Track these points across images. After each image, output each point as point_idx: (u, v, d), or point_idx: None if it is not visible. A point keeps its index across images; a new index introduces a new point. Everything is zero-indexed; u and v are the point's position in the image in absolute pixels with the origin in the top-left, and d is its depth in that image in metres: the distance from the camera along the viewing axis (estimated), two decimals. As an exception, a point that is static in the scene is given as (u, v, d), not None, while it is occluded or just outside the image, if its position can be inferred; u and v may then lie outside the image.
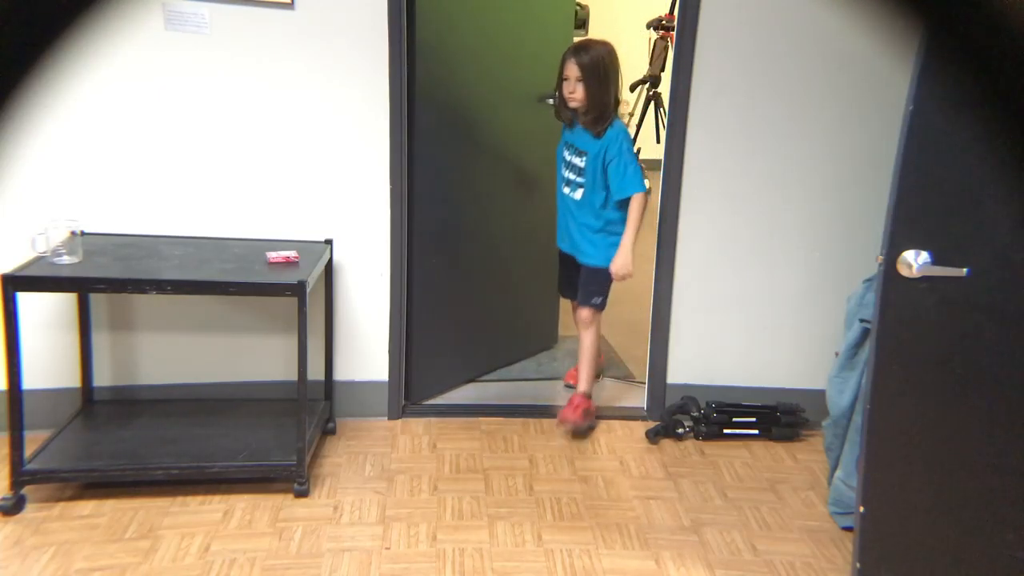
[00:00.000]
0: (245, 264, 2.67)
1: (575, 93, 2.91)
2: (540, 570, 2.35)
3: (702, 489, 2.84)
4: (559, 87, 2.99)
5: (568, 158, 3.06)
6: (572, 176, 3.05)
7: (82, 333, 2.89)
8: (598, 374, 3.48)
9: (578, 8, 6.15)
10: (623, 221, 2.98)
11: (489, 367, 3.66)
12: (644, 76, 6.63)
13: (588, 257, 3.09)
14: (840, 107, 3.05)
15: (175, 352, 3.03)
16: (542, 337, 3.94)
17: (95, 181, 2.84)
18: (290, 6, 2.80)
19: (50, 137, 2.75)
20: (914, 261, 1.86)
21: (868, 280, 2.56)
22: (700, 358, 3.27)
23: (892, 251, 1.87)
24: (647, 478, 2.87)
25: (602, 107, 2.92)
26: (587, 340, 3.16)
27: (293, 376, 2.62)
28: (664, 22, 5.67)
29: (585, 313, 3.14)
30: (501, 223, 3.55)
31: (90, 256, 2.60)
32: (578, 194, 3.04)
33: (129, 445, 2.68)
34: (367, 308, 3.10)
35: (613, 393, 3.52)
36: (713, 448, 3.12)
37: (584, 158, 2.99)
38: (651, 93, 6.67)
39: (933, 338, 1.94)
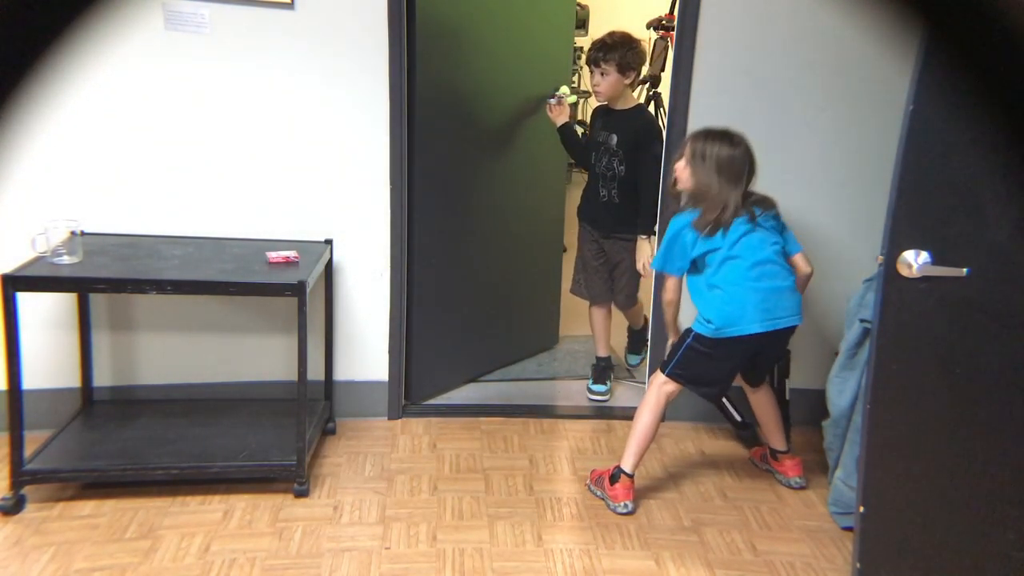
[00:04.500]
0: (245, 264, 2.67)
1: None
2: (540, 570, 2.35)
3: (702, 489, 2.84)
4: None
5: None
6: None
7: (82, 333, 2.89)
8: None
9: (578, 8, 6.15)
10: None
11: (489, 367, 3.65)
12: (644, 76, 6.61)
13: None
14: (840, 107, 3.05)
15: (175, 352, 3.03)
16: (543, 337, 3.94)
17: (95, 181, 2.84)
18: (290, 6, 2.80)
19: (50, 137, 2.74)
20: (914, 261, 1.86)
21: (868, 280, 2.56)
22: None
23: (892, 251, 1.87)
24: (647, 478, 2.87)
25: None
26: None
27: (293, 376, 2.62)
28: (664, 22, 5.66)
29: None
30: (501, 223, 3.55)
31: (90, 256, 2.60)
32: None
33: (129, 445, 2.68)
34: (367, 308, 3.10)
35: (614, 393, 3.51)
36: (713, 448, 3.12)
37: None
38: (651, 93, 6.67)
39: (933, 338, 1.94)
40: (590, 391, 3.48)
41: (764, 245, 2.55)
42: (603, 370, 3.51)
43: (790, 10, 2.97)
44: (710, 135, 2.59)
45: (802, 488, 2.85)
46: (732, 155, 2.53)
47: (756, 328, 2.52)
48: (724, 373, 2.69)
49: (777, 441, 2.89)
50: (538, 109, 3.46)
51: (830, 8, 2.75)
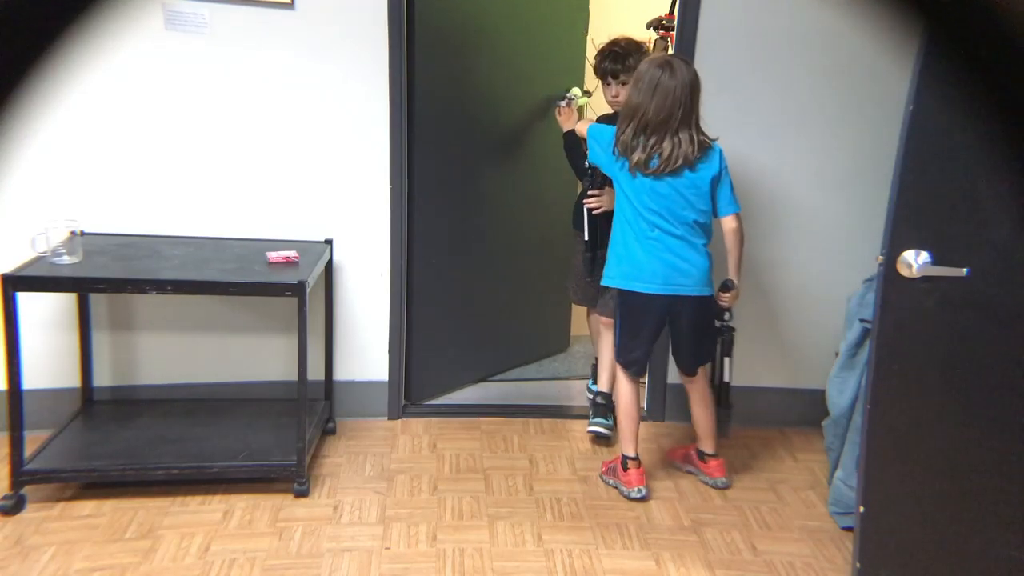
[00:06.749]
0: (245, 264, 2.67)
1: None
2: (540, 570, 2.35)
3: (702, 489, 2.84)
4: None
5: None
6: None
7: (82, 333, 2.89)
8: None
9: (578, 8, 6.13)
10: None
11: (494, 370, 3.63)
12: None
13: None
14: (840, 107, 3.05)
15: (175, 352, 3.03)
16: (551, 341, 3.89)
17: (95, 181, 2.84)
18: (290, 6, 2.80)
19: (50, 137, 2.75)
20: (914, 261, 1.86)
21: (868, 280, 2.56)
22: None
23: (892, 251, 1.87)
24: (647, 478, 2.87)
25: None
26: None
27: (293, 376, 2.62)
28: (664, 22, 5.66)
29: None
30: (503, 223, 3.54)
31: (90, 256, 2.60)
32: None
33: (129, 445, 2.68)
34: (367, 308, 3.10)
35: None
36: (713, 448, 3.12)
37: None
38: (651, 93, 6.67)
39: (933, 338, 1.94)
40: (591, 424, 3.14)
41: (683, 204, 2.53)
42: (603, 407, 3.16)
43: (790, 10, 2.97)
44: (652, 61, 2.54)
45: (727, 488, 2.83)
46: (669, 84, 2.44)
47: (655, 290, 2.58)
48: (644, 332, 2.69)
49: (707, 443, 2.84)
50: (547, 109, 3.40)
51: (830, 8, 2.75)
